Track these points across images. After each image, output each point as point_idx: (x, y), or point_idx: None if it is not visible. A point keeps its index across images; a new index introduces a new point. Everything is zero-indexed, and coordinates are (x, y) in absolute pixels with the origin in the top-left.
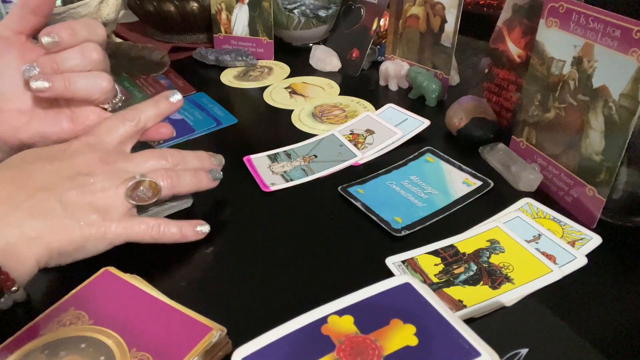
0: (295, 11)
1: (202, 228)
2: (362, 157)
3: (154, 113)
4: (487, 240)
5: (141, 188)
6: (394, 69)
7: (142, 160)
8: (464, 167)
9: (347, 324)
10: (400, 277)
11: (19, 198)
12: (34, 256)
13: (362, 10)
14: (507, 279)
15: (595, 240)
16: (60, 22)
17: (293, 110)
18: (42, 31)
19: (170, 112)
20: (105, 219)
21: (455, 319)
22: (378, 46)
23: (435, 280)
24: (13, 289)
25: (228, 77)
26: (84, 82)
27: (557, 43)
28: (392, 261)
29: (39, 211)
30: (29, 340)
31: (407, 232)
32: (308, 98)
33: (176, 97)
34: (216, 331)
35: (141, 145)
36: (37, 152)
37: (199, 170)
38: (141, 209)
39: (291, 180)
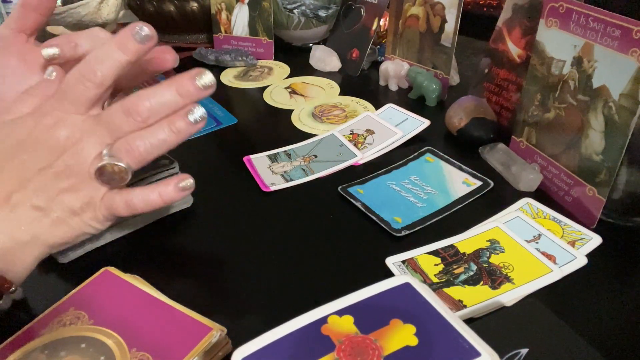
0: (295, 11)
1: (185, 183)
2: (362, 157)
3: (119, 61)
4: (487, 240)
5: (105, 173)
6: (394, 69)
7: (104, 130)
8: (464, 167)
9: (347, 324)
10: (400, 277)
11: None
12: (32, 256)
13: (362, 10)
14: (507, 279)
15: (595, 240)
16: (61, 22)
17: (293, 110)
18: (44, 43)
19: (142, 53)
20: (90, 203)
21: (455, 319)
22: (378, 46)
23: (435, 280)
24: (11, 290)
25: (228, 77)
26: (88, 41)
27: (557, 43)
28: (392, 261)
29: (24, 216)
30: (29, 340)
31: (407, 232)
32: (308, 98)
33: (145, 31)
34: (216, 331)
35: None
36: (2, 137)
37: (174, 118)
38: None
39: (291, 180)
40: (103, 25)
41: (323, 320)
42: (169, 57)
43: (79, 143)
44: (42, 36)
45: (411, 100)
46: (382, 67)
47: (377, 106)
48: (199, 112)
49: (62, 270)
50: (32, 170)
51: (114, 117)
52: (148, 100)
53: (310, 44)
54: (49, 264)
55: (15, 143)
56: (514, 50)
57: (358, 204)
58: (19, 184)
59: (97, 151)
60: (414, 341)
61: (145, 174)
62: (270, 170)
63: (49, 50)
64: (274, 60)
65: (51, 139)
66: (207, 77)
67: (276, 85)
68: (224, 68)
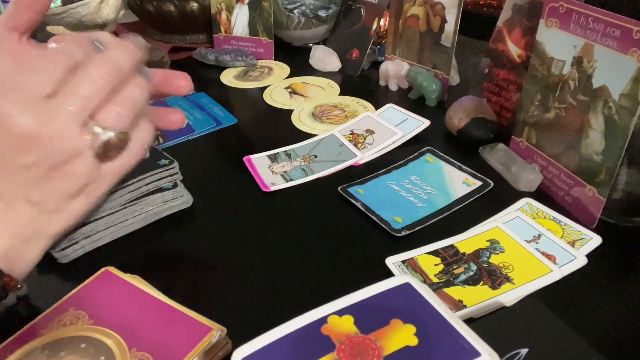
0: (295, 11)
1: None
2: (362, 157)
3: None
4: (487, 240)
5: (112, 147)
6: (394, 69)
7: (78, 98)
8: (464, 167)
9: (347, 324)
10: (400, 277)
11: None
12: (36, 250)
13: (362, 10)
14: (507, 279)
15: (595, 240)
16: (61, 22)
17: (293, 110)
18: (54, 38)
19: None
20: (90, 180)
21: (455, 319)
22: (378, 46)
23: (435, 280)
24: (17, 286)
25: (228, 77)
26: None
27: (557, 43)
28: (392, 261)
29: (20, 213)
30: (29, 340)
31: (407, 232)
32: (308, 98)
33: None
34: (216, 331)
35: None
36: None
37: (135, 76)
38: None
39: (291, 180)
40: (103, 25)
41: (323, 320)
42: (183, 83)
43: (57, 119)
44: (44, 36)
45: (411, 100)
46: (382, 67)
47: (377, 106)
48: (145, 70)
49: (62, 270)
50: (13, 166)
51: (83, 82)
52: (108, 62)
53: (310, 44)
54: (49, 264)
55: None
56: (514, 50)
57: (358, 204)
58: (7, 187)
59: (77, 126)
60: (414, 341)
61: (144, 175)
62: (270, 170)
63: (55, 45)
64: (274, 60)
65: (21, 126)
66: (137, 39)
67: (276, 85)
68: (224, 68)
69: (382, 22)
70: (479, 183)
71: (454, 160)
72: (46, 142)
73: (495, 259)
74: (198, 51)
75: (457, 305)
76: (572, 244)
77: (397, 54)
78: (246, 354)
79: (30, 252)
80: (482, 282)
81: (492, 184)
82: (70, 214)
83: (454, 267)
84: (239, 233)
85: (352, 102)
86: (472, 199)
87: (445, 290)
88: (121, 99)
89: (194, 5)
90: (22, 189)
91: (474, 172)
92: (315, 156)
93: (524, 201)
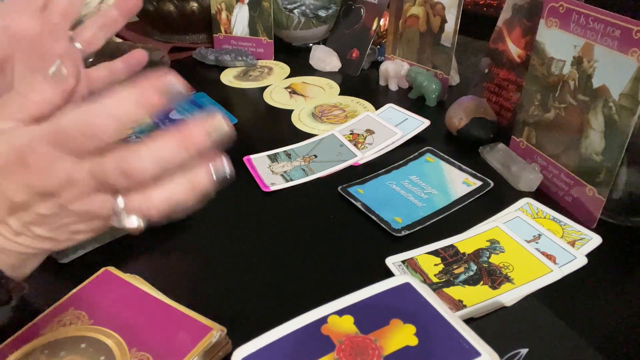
0: (295, 11)
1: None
2: (362, 157)
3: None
4: (487, 240)
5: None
6: (394, 69)
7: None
8: (464, 167)
9: (347, 324)
10: (400, 277)
11: None
12: (39, 260)
13: (362, 10)
14: (507, 279)
15: (595, 240)
16: None
17: (293, 110)
18: None
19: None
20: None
21: (455, 319)
22: (378, 46)
23: (435, 280)
24: (23, 289)
25: (228, 77)
26: None
27: (557, 43)
28: (392, 261)
29: (29, 241)
30: (29, 340)
31: (407, 232)
32: (308, 98)
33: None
34: (216, 331)
35: None
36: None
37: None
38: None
39: (291, 180)
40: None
41: (323, 320)
42: (138, 56)
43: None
44: None
45: (411, 100)
46: (382, 67)
47: (377, 106)
48: (223, 168)
49: (62, 270)
50: (27, 205)
51: (109, 176)
52: (148, 157)
53: (310, 44)
54: (49, 264)
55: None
56: (514, 50)
57: (358, 204)
58: (9, 211)
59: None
60: (414, 341)
61: None
62: (270, 170)
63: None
64: (274, 60)
65: (47, 179)
66: (217, 122)
67: (276, 85)
68: (224, 68)
69: (382, 22)
70: (479, 183)
71: (454, 160)
72: (67, 199)
73: (495, 259)
74: (198, 51)
75: (457, 305)
76: (572, 243)
77: (397, 54)
78: (246, 354)
79: (33, 263)
80: (482, 282)
81: (492, 184)
82: (74, 241)
83: (454, 267)
84: (239, 233)
85: (352, 102)
86: (472, 199)
87: (445, 290)
88: (159, 195)
89: (194, 5)
90: (29, 224)
91: (474, 172)
92: (315, 156)
93: (524, 201)
